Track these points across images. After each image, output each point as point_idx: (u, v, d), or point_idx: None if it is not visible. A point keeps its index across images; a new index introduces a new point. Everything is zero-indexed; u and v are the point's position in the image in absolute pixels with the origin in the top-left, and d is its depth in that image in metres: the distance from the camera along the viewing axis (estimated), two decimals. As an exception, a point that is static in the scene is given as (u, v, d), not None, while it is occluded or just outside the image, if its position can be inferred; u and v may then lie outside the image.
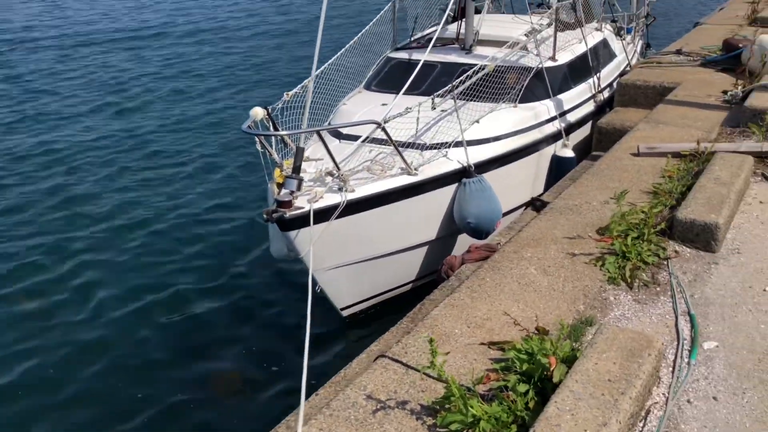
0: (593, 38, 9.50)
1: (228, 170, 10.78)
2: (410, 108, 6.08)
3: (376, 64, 8.49)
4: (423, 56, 6.95)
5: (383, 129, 5.56)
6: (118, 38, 20.84)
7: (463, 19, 8.57)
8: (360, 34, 7.97)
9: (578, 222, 5.00)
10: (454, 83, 6.45)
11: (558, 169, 7.69)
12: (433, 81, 7.50)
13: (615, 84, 9.43)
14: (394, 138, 5.70)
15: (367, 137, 6.15)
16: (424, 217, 6.31)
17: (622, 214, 4.71)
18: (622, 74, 9.90)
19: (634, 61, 11.09)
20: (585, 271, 4.31)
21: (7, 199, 9.60)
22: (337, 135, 6.65)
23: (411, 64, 7.52)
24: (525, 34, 8.33)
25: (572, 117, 8.21)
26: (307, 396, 3.47)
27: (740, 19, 12.97)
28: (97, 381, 5.99)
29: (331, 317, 6.37)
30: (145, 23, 23.33)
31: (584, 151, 8.42)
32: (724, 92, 7.90)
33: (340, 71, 7.46)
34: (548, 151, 7.67)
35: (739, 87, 7.86)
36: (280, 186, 5.29)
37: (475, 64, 6.93)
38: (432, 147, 6.32)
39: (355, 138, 6.34)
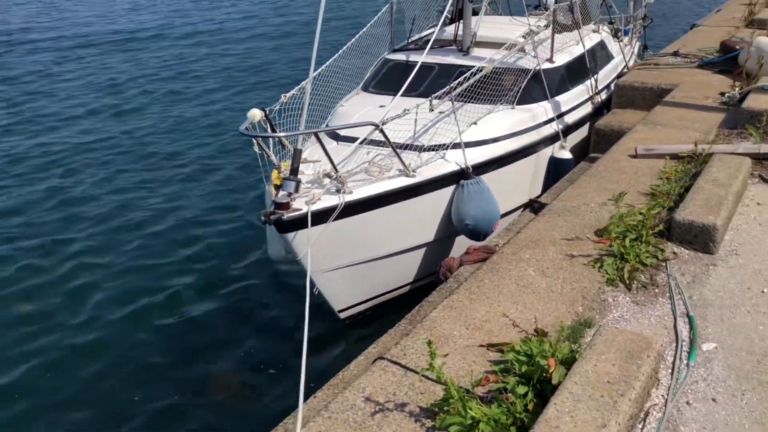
0: (591, 40, 9.51)
1: (225, 172, 10.77)
2: (408, 109, 6.08)
3: (374, 65, 8.49)
4: (421, 58, 6.95)
5: (381, 131, 5.56)
6: (116, 40, 20.82)
7: (461, 21, 8.57)
8: (358, 36, 7.97)
9: (576, 223, 5.00)
10: (452, 85, 6.45)
11: (556, 170, 7.69)
12: (430, 82, 7.50)
13: (612, 86, 9.45)
14: (392, 140, 5.70)
15: (365, 139, 6.14)
16: (422, 218, 6.31)
17: (621, 216, 4.71)
18: (619, 76, 9.91)
19: (631, 63, 11.10)
20: (583, 273, 4.31)
21: (4, 200, 9.57)
22: (335, 137, 6.65)
23: (409, 66, 7.52)
24: (522, 36, 8.34)
25: (570, 119, 8.22)
26: (306, 398, 3.46)
27: (737, 20, 13.01)
28: (95, 383, 5.96)
29: (329, 319, 6.35)
30: (143, 25, 23.32)
31: (582, 152, 8.43)
32: (722, 94, 7.91)
33: (337, 73, 7.45)
34: (546, 153, 7.67)
35: (737, 89, 7.88)
36: (277, 188, 5.27)
37: (473, 66, 6.93)
38: (430, 149, 6.32)
39: (352, 140, 6.33)
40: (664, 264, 4.44)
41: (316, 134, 5.45)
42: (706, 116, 7.34)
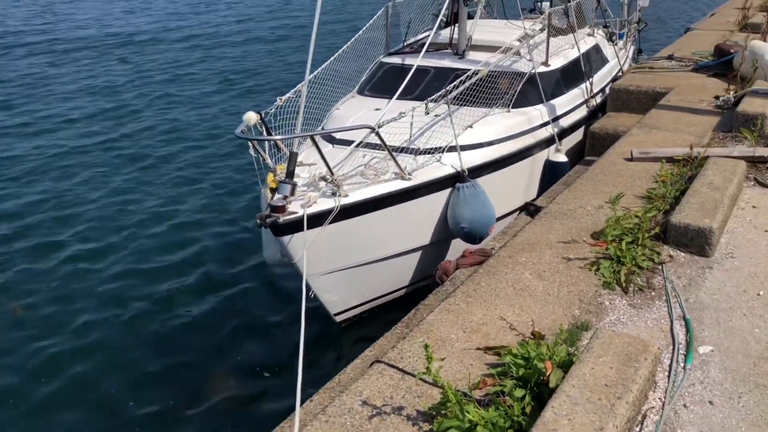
0: (586, 44, 9.54)
1: (221, 175, 10.75)
2: (404, 113, 6.08)
3: (370, 68, 8.49)
4: (416, 61, 6.95)
5: (377, 133, 5.56)
6: (112, 43, 20.79)
7: (456, 25, 8.59)
8: (353, 39, 7.97)
9: (573, 227, 5.00)
10: (447, 88, 6.45)
11: (551, 173, 7.70)
12: (426, 86, 7.50)
13: (607, 89, 9.47)
14: (387, 143, 5.69)
15: (361, 142, 6.14)
16: (418, 222, 6.30)
17: (617, 219, 4.72)
18: (614, 79, 9.94)
19: (626, 67, 11.15)
20: (580, 276, 4.31)
21: (0, 203, 9.56)
22: (331, 140, 6.64)
23: (404, 69, 7.52)
24: (518, 40, 8.36)
25: (565, 122, 8.23)
26: (302, 402, 3.45)
27: (731, 24, 13.08)
28: (90, 387, 5.93)
29: (326, 323, 6.34)
30: (139, 28, 23.30)
31: (577, 156, 8.44)
32: (717, 97, 7.94)
33: (333, 76, 7.45)
34: (541, 156, 7.68)
35: (731, 92, 7.91)
36: (273, 191, 5.26)
37: (469, 69, 6.94)
38: (425, 152, 6.32)
39: (348, 143, 6.32)
40: (660, 267, 4.44)
41: (311, 137, 5.44)
42: (701, 119, 7.36)
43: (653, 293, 4.16)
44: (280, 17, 25.99)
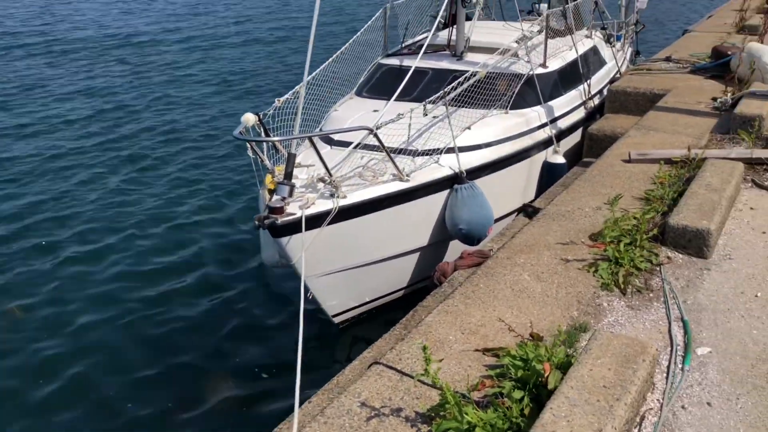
0: (583, 45, 9.55)
1: (219, 176, 10.75)
2: (402, 114, 6.08)
3: (368, 70, 8.50)
4: (414, 63, 6.96)
5: (375, 135, 5.56)
6: (110, 44, 20.77)
7: (454, 26, 8.60)
8: (351, 41, 7.98)
9: (571, 228, 5.00)
10: (445, 89, 6.46)
11: (549, 175, 7.71)
12: (424, 87, 7.51)
13: (605, 91, 9.49)
14: (385, 144, 5.70)
15: (359, 143, 6.14)
16: (416, 223, 6.31)
17: (615, 220, 4.72)
18: (612, 81, 9.96)
19: (624, 68, 11.16)
20: (578, 277, 4.32)
21: (-5, 205, 9.54)
22: (329, 141, 6.64)
23: (402, 71, 7.53)
24: (516, 41, 8.36)
25: (563, 123, 8.24)
26: (301, 403, 3.45)
27: (728, 26, 13.11)
28: (87, 389, 5.92)
29: (324, 324, 6.34)
30: (137, 29, 23.27)
31: (575, 157, 8.45)
32: (714, 99, 7.95)
33: (331, 77, 7.46)
34: (539, 158, 7.69)
35: (729, 94, 7.92)
36: (271, 192, 5.27)
37: (467, 71, 6.95)
38: (424, 153, 6.32)
39: (346, 144, 6.33)
40: (658, 268, 4.45)
41: (310, 138, 5.45)
42: (699, 121, 7.37)
43: (651, 295, 4.17)
44: (278, 18, 26.00)
